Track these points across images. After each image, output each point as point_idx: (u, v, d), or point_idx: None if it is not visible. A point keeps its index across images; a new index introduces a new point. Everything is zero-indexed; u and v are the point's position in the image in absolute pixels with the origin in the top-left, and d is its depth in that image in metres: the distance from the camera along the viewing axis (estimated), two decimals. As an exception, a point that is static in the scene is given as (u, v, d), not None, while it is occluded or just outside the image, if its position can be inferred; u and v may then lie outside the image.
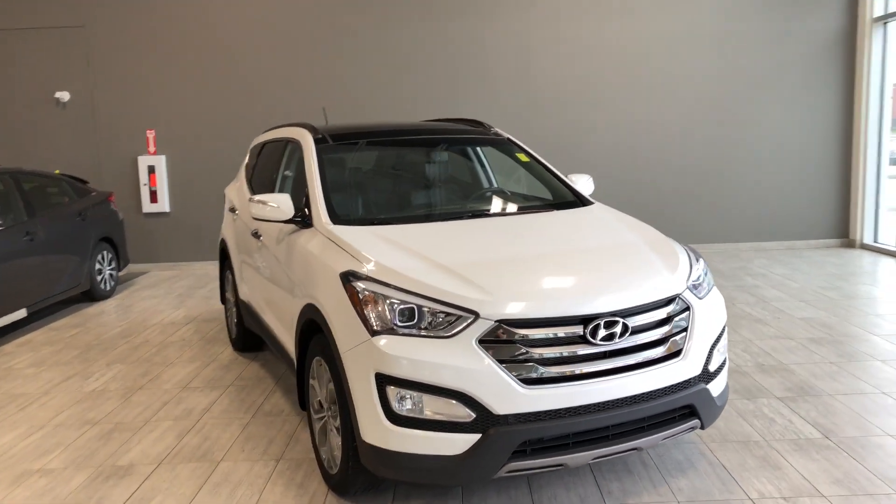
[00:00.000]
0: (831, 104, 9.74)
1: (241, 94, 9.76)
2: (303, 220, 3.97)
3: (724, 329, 3.48)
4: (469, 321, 2.95)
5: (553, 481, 3.52)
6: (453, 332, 2.95)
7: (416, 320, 3.02)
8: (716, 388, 3.37)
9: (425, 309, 3.01)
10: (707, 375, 3.31)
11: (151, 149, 9.84)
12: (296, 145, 4.74)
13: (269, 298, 4.59)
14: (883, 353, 5.26)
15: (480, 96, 9.71)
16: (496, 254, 3.46)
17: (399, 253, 3.38)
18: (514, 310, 2.97)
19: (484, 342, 2.93)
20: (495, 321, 2.94)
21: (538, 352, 2.95)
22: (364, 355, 3.03)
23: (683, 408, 3.21)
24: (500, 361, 2.91)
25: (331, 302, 3.30)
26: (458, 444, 2.91)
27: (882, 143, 9.52)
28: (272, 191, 4.94)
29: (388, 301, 3.05)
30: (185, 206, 9.97)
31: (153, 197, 9.85)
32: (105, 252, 8.26)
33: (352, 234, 3.62)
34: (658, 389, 3.11)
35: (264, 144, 5.63)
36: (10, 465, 4.00)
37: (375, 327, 3.02)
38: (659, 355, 3.14)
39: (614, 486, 3.47)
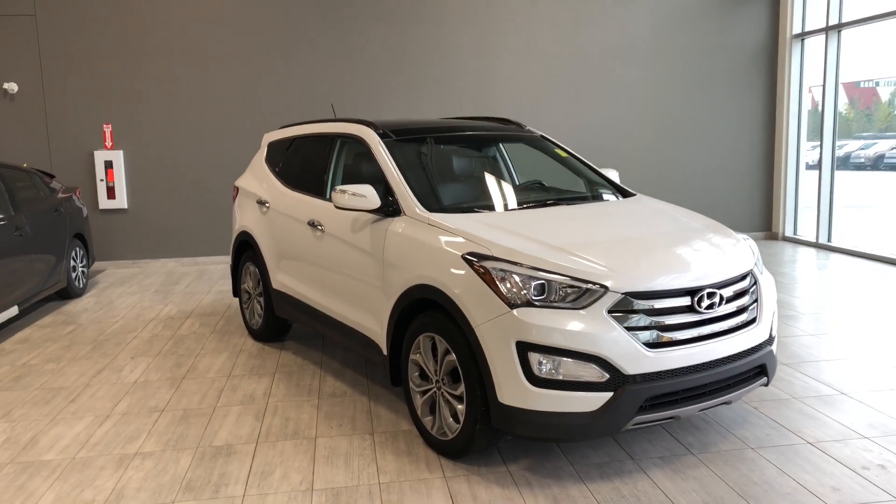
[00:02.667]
0: (757, 111, 10.80)
1: (202, 87, 9.69)
2: (392, 209, 4.25)
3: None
4: (599, 294, 3.36)
5: (637, 437, 3.99)
6: (586, 303, 3.36)
7: (546, 294, 3.41)
8: (775, 350, 3.95)
9: (555, 284, 3.40)
10: (771, 339, 3.88)
11: (108, 143, 9.60)
12: (349, 139, 5.00)
13: (334, 285, 4.80)
14: (850, 325, 6.08)
15: (440, 100, 10.08)
16: (595, 236, 3.90)
17: (508, 236, 3.74)
18: (638, 283, 3.42)
19: (611, 312, 3.36)
20: (622, 293, 3.38)
21: (657, 319, 3.41)
22: (503, 326, 3.38)
23: (757, 367, 3.77)
24: (627, 328, 3.35)
25: (455, 281, 3.62)
26: (592, 401, 3.33)
27: (800, 147, 10.66)
28: (321, 184, 5.14)
29: (520, 277, 3.42)
30: (145, 203, 9.78)
31: (110, 193, 9.61)
32: (78, 248, 8.05)
33: (454, 221, 3.94)
34: (743, 351, 3.65)
35: (293, 139, 5.80)
36: (103, 452, 4.03)
37: (513, 301, 3.39)
38: (743, 321, 3.69)
39: (690, 439, 3.99)
